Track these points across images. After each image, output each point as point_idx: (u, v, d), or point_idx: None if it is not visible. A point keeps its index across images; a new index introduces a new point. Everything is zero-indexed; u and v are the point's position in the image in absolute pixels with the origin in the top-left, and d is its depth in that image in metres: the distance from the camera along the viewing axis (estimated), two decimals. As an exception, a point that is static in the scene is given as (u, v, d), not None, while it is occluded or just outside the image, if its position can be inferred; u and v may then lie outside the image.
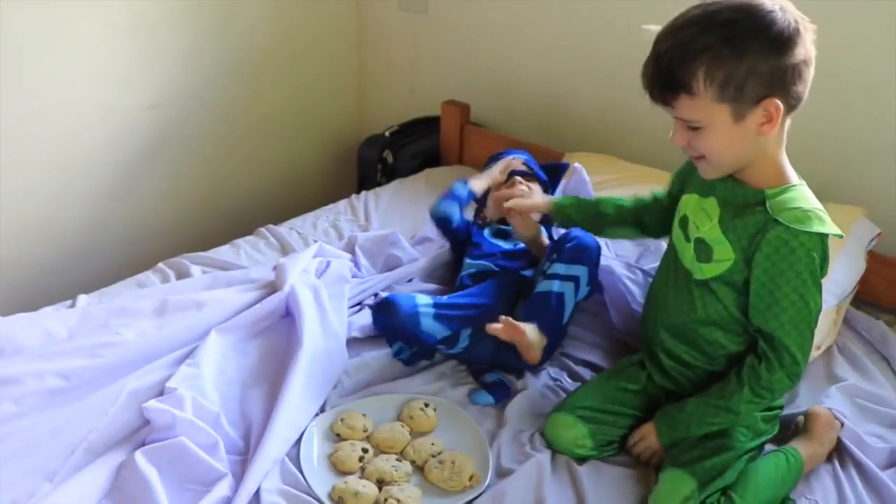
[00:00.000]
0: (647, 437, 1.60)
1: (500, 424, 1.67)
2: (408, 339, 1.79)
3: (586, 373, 1.82)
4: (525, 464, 1.54)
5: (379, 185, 2.74)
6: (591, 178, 2.24)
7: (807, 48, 1.37)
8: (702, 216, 1.54)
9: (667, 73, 1.37)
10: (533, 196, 2.00)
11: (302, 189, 3.07)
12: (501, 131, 2.81)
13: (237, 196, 2.93)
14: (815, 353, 1.84)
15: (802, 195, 1.46)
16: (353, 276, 2.01)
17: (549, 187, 2.14)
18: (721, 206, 1.51)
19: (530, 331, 1.71)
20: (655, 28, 1.41)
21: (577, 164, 2.21)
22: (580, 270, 1.79)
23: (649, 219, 1.79)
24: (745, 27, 1.34)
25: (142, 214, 2.69)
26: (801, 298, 1.44)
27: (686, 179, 1.65)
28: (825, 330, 1.87)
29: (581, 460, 1.59)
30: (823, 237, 1.43)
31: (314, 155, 3.13)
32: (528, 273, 1.94)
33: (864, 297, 2.07)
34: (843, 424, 1.67)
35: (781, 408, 1.65)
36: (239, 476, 1.50)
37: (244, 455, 1.55)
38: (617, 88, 2.51)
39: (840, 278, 1.93)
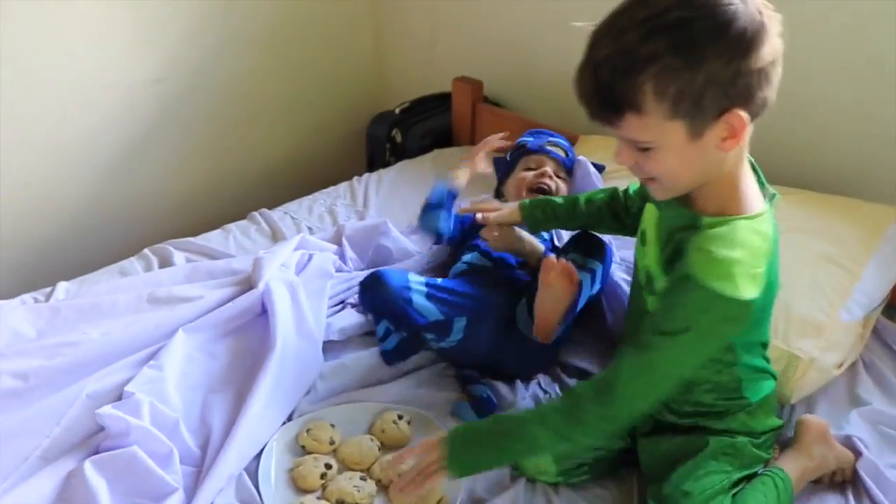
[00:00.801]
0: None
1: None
2: (396, 318, 1.63)
3: (580, 384, 1.67)
4: (497, 498, 1.41)
5: (387, 165, 2.61)
6: (604, 165, 2.08)
7: (774, 46, 1.13)
8: (654, 234, 1.35)
9: (607, 88, 1.13)
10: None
11: (313, 168, 2.94)
12: (517, 110, 2.65)
13: (245, 175, 2.82)
14: (836, 372, 1.66)
15: (737, 234, 1.20)
16: (338, 271, 1.89)
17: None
18: (658, 229, 1.33)
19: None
20: (588, 25, 1.16)
21: (580, 158, 2.05)
22: (595, 265, 1.67)
23: (627, 217, 1.61)
24: (700, 27, 1.09)
25: (144, 193, 2.60)
26: (671, 346, 1.20)
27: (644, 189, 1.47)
28: (849, 345, 1.69)
29: (554, 486, 1.46)
30: (727, 299, 1.16)
31: (327, 132, 3.00)
32: (526, 277, 1.80)
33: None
34: (860, 455, 1.50)
35: (779, 427, 1.49)
36: (191, 490, 1.40)
37: (200, 466, 1.45)
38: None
39: (870, 287, 1.74)
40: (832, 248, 1.74)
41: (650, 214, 1.39)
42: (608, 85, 1.12)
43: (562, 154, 2.03)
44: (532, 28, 2.58)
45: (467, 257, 1.84)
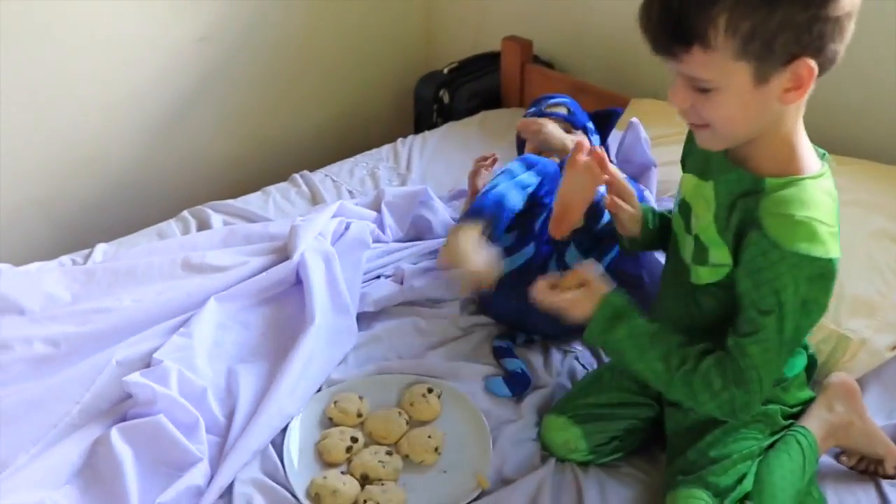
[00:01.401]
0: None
1: (513, 419, 1.50)
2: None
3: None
4: (524, 479, 1.37)
5: (434, 126, 2.55)
6: (653, 132, 1.99)
7: (849, 5, 1.08)
8: (701, 205, 1.28)
9: (678, 19, 1.07)
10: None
11: (360, 129, 2.89)
12: (568, 71, 2.56)
13: (291, 136, 2.78)
14: (889, 355, 1.57)
15: (808, 194, 1.15)
16: (376, 241, 1.86)
17: (593, 135, 1.89)
18: (716, 196, 1.24)
19: None
20: None
21: (633, 119, 1.95)
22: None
23: None
24: None
25: (190, 154, 2.59)
26: (779, 322, 1.16)
27: (684, 161, 1.39)
28: (905, 326, 1.60)
29: (584, 466, 1.42)
30: (817, 260, 1.13)
31: (375, 92, 2.94)
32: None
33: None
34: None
35: (812, 400, 1.42)
36: (216, 460, 1.40)
37: (227, 436, 1.45)
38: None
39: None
40: (890, 224, 1.64)
41: (691, 183, 1.31)
42: (679, 14, 1.07)
43: (563, 111, 1.89)
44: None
45: None
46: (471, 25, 2.86)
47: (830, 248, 1.13)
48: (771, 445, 1.35)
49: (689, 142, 1.39)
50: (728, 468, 1.29)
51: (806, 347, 1.40)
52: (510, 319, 1.68)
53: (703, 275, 1.28)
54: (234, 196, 2.17)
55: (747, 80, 1.09)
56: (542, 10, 2.61)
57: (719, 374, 1.20)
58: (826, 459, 1.43)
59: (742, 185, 1.20)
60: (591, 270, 1.30)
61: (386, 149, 2.35)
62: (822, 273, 1.14)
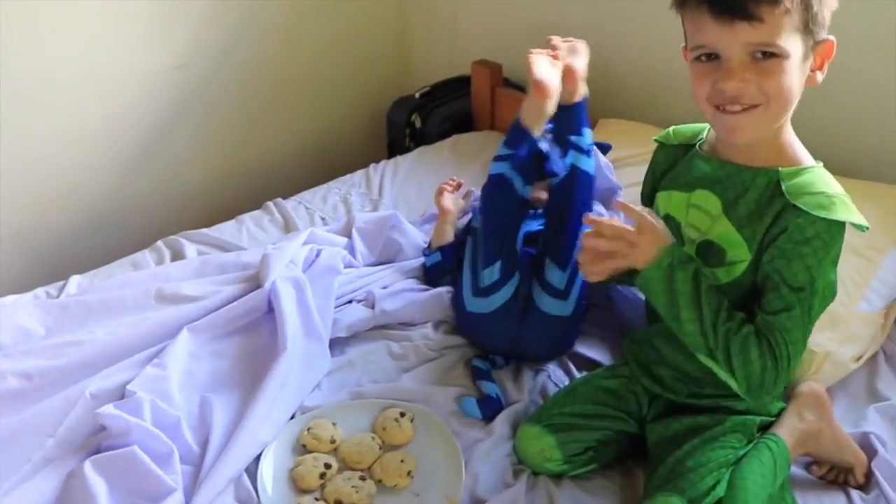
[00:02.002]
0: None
1: (484, 437, 1.51)
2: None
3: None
4: (497, 497, 1.38)
5: (407, 150, 2.57)
6: (620, 152, 2.03)
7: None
8: (697, 215, 1.32)
9: None
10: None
11: (335, 154, 2.92)
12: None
13: (266, 162, 2.81)
14: (853, 366, 1.60)
15: (822, 178, 1.24)
16: (347, 266, 1.87)
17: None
18: (722, 199, 1.29)
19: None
20: None
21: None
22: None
23: None
24: None
25: (166, 181, 2.60)
26: (810, 297, 1.21)
27: (656, 182, 1.43)
28: (868, 338, 1.63)
29: (558, 479, 1.44)
30: (841, 226, 1.21)
31: (350, 117, 2.97)
32: None
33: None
34: (876, 453, 1.45)
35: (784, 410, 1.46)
36: (191, 490, 1.40)
37: (201, 465, 1.46)
38: (660, 49, 2.26)
39: (889, 277, 1.67)
40: (852, 237, 1.67)
41: (675, 199, 1.35)
42: None
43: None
44: (554, 9, 2.52)
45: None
46: (444, 49, 2.89)
47: (861, 218, 1.21)
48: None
49: (659, 167, 1.43)
50: (704, 476, 1.31)
51: None
52: (503, 351, 1.70)
53: (722, 275, 1.30)
54: (209, 224, 2.18)
55: (800, 53, 1.18)
56: (513, 33, 2.64)
57: (756, 343, 1.22)
58: (797, 470, 1.45)
59: (755, 181, 1.26)
60: (654, 219, 1.28)
61: (359, 174, 2.37)
62: (841, 239, 1.22)
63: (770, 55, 1.16)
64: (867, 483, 1.43)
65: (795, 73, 1.18)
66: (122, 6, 2.30)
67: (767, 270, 1.24)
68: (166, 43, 2.44)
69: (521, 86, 2.63)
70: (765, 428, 1.43)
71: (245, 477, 1.43)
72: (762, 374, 1.22)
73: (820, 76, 1.22)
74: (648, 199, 1.47)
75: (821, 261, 1.21)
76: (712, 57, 1.20)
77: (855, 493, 1.41)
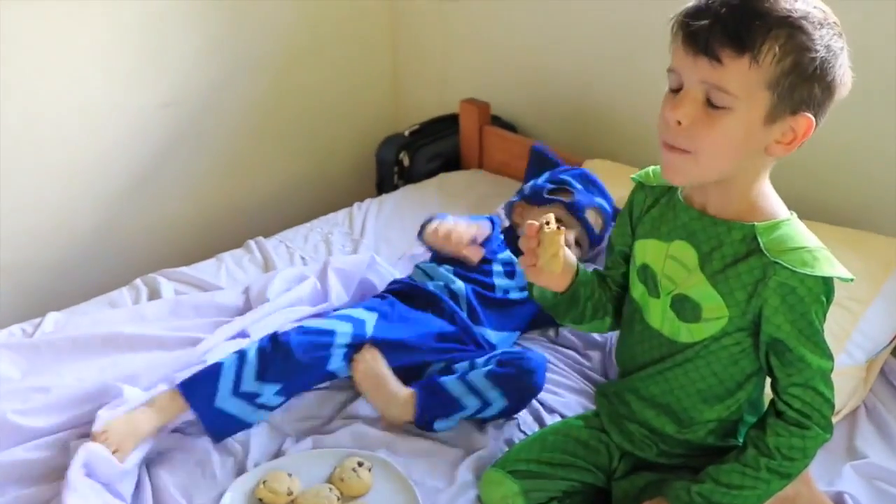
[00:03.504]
0: None
1: (446, 486, 1.47)
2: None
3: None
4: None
5: (396, 188, 2.56)
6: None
7: (847, 90, 1.18)
8: (674, 267, 1.28)
9: (745, 23, 1.09)
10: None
11: (326, 192, 2.89)
12: (528, 132, 2.58)
13: (257, 199, 2.79)
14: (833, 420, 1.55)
15: (798, 231, 1.21)
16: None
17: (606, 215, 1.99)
18: (698, 252, 1.25)
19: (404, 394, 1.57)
20: None
21: None
22: (498, 400, 1.55)
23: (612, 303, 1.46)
24: (838, 33, 1.14)
25: (154, 217, 2.60)
26: (819, 346, 1.21)
27: (634, 225, 1.38)
28: (848, 391, 1.58)
29: None
30: (830, 280, 1.19)
31: (340, 155, 2.95)
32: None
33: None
34: (848, 512, 1.40)
35: None
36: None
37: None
38: (645, 90, 2.23)
39: (872, 329, 1.63)
40: (831, 286, 1.63)
41: (652, 248, 1.32)
42: (747, 19, 1.10)
43: (564, 198, 1.95)
44: (543, 50, 2.51)
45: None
46: (434, 88, 2.88)
47: (844, 270, 1.19)
48: None
49: (637, 208, 1.39)
50: None
51: (759, 411, 1.38)
52: None
53: (697, 331, 1.27)
54: (194, 260, 2.17)
55: (761, 113, 1.13)
56: (502, 72, 2.64)
57: (790, 434, 1.23)
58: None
59: (730, 235, 1.22)
60: None
61: (343, 213, 2.35)
62: (832, 293, 1.22)
63: (720, 107, 1.13)
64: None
65: (741, 130, 1.13)
66: (111, 44, 2.32)
67: (777, 337, 1.22)
68: (155, 81, 2.45)
69: (510, 124, 2.62)
70: None
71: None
72: (820, 443, 1.25)
73: (784, 150, 1.17)
74: (621, 242, 1.42)
75: (818, 311, 1.20)
76: (678, 91, 1.17)
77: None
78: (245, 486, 1.48)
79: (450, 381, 1.57)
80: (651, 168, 1.38)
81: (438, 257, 1.85)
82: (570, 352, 1.79)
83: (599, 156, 2.29)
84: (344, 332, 1.61)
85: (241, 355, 1.58)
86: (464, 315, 1.74)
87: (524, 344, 1.81)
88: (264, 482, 1.47)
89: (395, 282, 1.85)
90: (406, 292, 1.78)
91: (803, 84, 1.11)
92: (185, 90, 2.52)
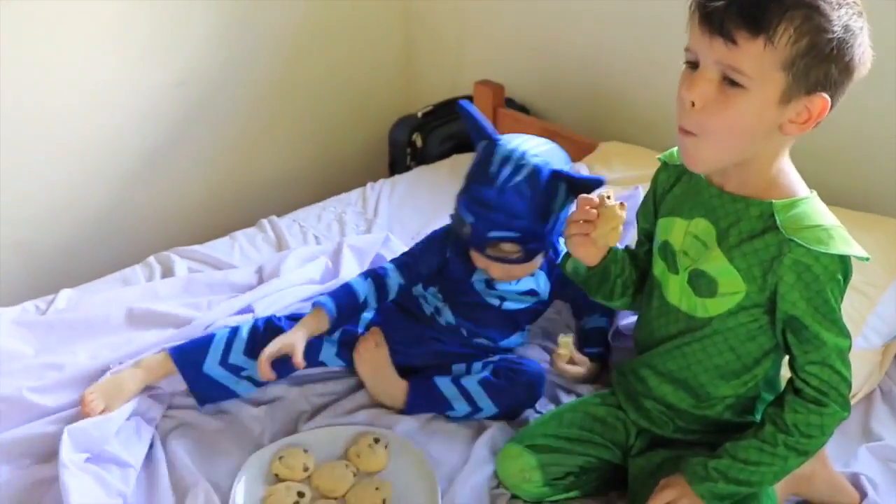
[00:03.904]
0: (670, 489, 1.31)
1: (462, 462, 1.48)
2: None
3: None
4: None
5: (408, 170, 2.55)
6: (619, 174, 2.01)
7: (866, 70, 1.17)
8: (693, 243, 1.29)
9: (758, 1, 1.09)
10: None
11: (338, 172, 2.89)
12: (541, 115, 2.57)
13: (268, 179, 2.79)
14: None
15: (816, 210, 1.22)
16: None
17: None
18: (716, 228, 1.26)
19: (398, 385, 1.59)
20: None
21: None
22: (489, 408, 1.57)
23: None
24: (857, 12, 1.13)
25: (169, 197, 2.60)
26: (835, 325, 1.22)
27: (658, 203, 1.39)
28: (864, 375, 1.58)
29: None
30: (847, 259, 1.19)
31: (353, 136, 2.94)
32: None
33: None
34: (866, 495, 1.40)
35: None
36: None
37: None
38: (660, 73, 2.23)
39: (889, 313, 1.62)
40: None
41: (673, 225, 1.33)
42: (759, 2, 1.10)
43: (514, 254, 1.53)
44: (557, 32, 2.50)
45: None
46: (448, 70, 2.87)
47: (860, 249, 1.19)
48: None
49: (661, 187, 1.40)
50: None
51: (776, 390, 1.38)
52: None
53: (713, 306, 1.28)
54: (206, 239, 2.16)
55: (776, 94, 1.12)
56: (516, 54, 2.63)
57: (808, 412, 1.23)
58: (787, 512, 1.41)
59: (748, 213, 1.23)
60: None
61: (355, 193, 2.35)
62: (850, 272, 1.22)
63: (736, 84, 1.13)
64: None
65: (756, 110, 1.14)
66: (124, 23, 2.31)
67: (792, 314, 1.22)
68: (168, 60, 2.44)
69: (522, 106, 2.61)
70: None
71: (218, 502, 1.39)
72: (838, 420, 1.24)
73: (800, 130, 1.17)
74: (645, 221, 1.43)
75: (834, 288, 1.20)
76: (695, 66, 1.17)
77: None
78: (261, 463, 1.49)
79: (443, 382, 1.58)
80: (676, 148, 1.37)
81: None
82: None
83: (614, 138, 2.28)
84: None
85: (235, 330, 1.60)
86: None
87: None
88: (280, 458, 1.48)
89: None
90: (402, 305, 1.72)
91: (819, 65, 1.11)
92: (199, 70, 2.51)
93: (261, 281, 1.90)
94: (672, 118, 2.15)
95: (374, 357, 1.62)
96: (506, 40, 2.65)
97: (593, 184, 1.47)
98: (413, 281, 1.65)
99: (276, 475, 1.47)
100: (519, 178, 1.46)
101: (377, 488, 1.43)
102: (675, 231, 1.32)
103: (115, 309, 1.80)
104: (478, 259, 1.56)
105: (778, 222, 1.19)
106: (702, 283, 1.28)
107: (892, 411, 1.59)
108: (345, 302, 1.58)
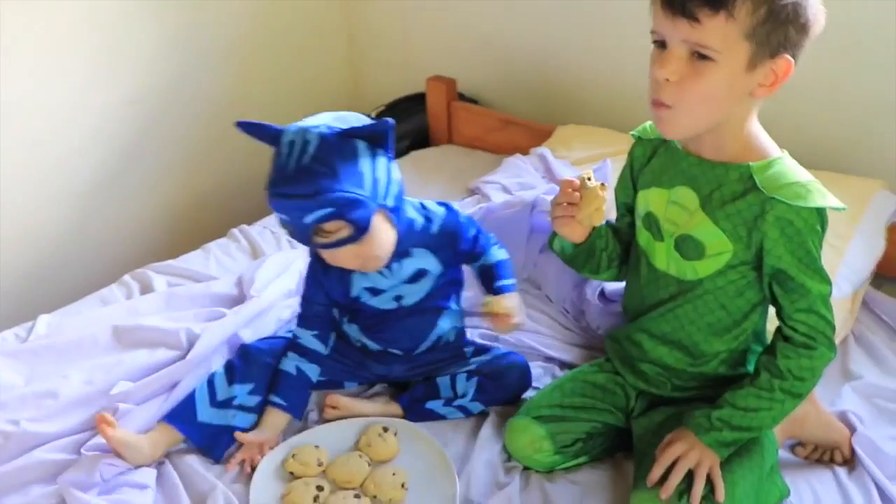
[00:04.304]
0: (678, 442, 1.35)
1: (472, 445, 1.53)
2: None
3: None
4: (493, 498, 1.40)
5: (366, 170, 2.58)
6: (578, 154, 2.09)
7: (821, 27, 1.24)
8: (675, 211, 1.36)
9: None
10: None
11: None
12: (493, 106, 2.63)
13: (225, 190, 2.79)
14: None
15: (790, 168, 1.30)
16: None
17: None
18: (698, 194, 1.33)
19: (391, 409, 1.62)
20: None
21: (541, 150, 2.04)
22: (477, 408, 1.61)
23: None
24: None
25: (124, 216, 2.58)
26: (818, 273, 1.30)
27: (636, 177, 1.47)
28: (839, 322, 1.64)
29: (549, 474, 1.46)
30: (824, 211, 1.28)
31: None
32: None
33: (884, 274, 1.86)
34: (854, 430, 1.49)
35: None
36: None
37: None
38: (610, 57, 2.31)
39: (856, 261, 1.72)
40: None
41: (655, 196, 1.39)
42: None
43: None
44: (504, 22, 2.56)
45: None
46: (397, 68, 2.90)
47: (836, 201, 1.28)
48: None
49: (637, 161, 1.47)
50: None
51: (763, 341, 1.46)
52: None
53: (702, 268, 1.35)
54: (171, 255, 2.14)
55: (743, 62, 1.20)
56: (466, 47, 2.68)
57: (799, 356, 1.31)
58: (783, 453, 1.48)
59: (727, 176, 1.30)
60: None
61: (321, 196, 2.36)
62: (826, 222, 1.30)
63: (705, 57, 1.20)
64: (850, 459, 1.47)
65: (727, 79, 1.21)
66: (71, 45, 2.29)
67: (779, 267, 1.29)
68: (118, 79, 2.43)
69: (472, 99, 2.67)
70: None
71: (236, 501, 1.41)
72: (827, 362, 1.33)
73: (768, 91, 1.24)
74: (624, 195, 1.50)
75: (815, 239, 1.28)
76: (662, 45, 1.24)
77: (840, 471, 1.45)
78: (274, 461, 1.51)
79: (437, 406, 1.60)
80: (648, 123, 1.45)
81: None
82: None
83: (570, 121, 2.35)
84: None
85: (211, 375, 1.59)
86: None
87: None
88: (293, 456, 1.50)
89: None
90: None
91: (779, 29, 1.19)
92: (148, 86, 2.51)
93: (241, 291, 1.90)
94: (619, 98, 2.27)
95: (344, 413, 1.61)
96: (454, 34, 2.70)
97: (383, 127, 1.40)
98: (322, 325, 1.61)
99: (291, 472, 1.48)
100: (308, 154, 1.38)
101: (394, 474, 1.46)
102: (657, 201, 1.39)
103: (99, 329, 1.77)
104: (326, 256, 1.48)
105: (757, 183, 1.27)
106: (689, 247, 1.35)
107: (866, 352, 1.69)
108: (296, 392, 1.58)
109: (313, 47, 2.89)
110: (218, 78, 2.66)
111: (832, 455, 1.49)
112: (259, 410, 1.57)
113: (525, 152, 2.27)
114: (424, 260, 1.56)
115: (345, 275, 1.55)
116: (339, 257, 1.46)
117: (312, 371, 1.60)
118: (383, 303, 1.58)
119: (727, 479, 1.31)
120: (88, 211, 2.48)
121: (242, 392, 1.56)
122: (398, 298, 1.57)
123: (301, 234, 1.42)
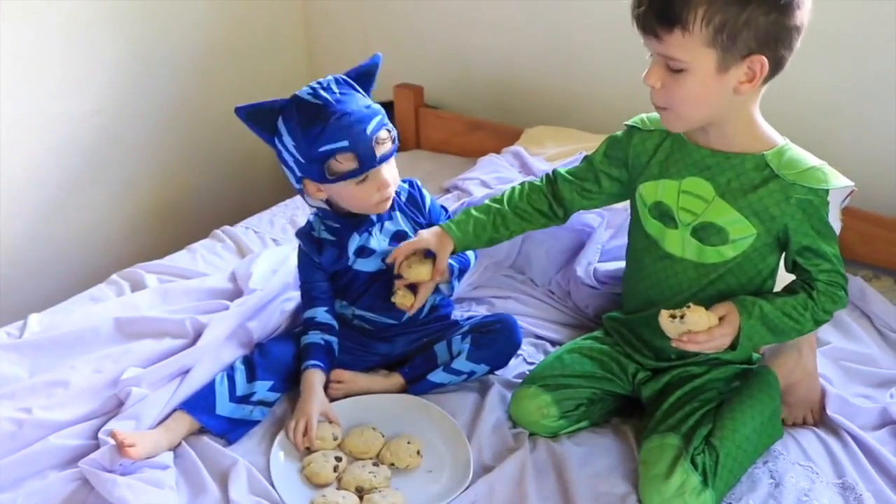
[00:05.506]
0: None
1: (479, 414, 1.61)
2: None
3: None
4: (507, 461, 1.49)
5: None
6: (549, 152, 2.21)
7: (805, 15, 1.34)
8: (689, 200, 1.48)
9: (666, 4, 1.30)
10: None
11: (260, 184, 2.97)
12: (458, 112, 2.73)
13: (194, 196, 2.84)
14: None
15: (799, 153, 1.43)
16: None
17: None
18: (713, 184, 1.45)
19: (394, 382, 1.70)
20: None
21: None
22: (482, 369, 1.70)
23: (559, 208, 1.65)
24: None
25: (94, 224, 2.61)
26: (832, 238, 1.44)
27: (632, 166, 1.57)
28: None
29: (555, 438, 1.55)
30: (849, 189, 1.42)
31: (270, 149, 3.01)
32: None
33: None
34: (825, 393, 1.61)
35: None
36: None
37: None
38: (572, 59, 2.44)
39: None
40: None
41: (666, 187, 1.50)
42: (666, 1, 1.30)
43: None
44: (465, 28, 2.66)
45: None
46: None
47: (846, 179, 1.41)
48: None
49: (637, 151, 1.55)
50: (692, 412, 1.47)
51: None
52: None
53: (726, 252, 1.46)
54: (140, 262, 2.16)
55: (712, 67, 1.32)
56: (430, 55, 2.78)
57: (828, 298, 1.44)
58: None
59: (743, 166, 1.42)
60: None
61: (299, 197, 2.41)
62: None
63: (678, 70, 1.34)
64: (822, 420, 1.60)
65: (701, 83, 1.34)
66: (35, 56, 2.32)
67: (805, 244, 1.42)
68: (82, 90, 2.47)
69: (435, 107, 2.77)
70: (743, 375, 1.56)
71: (256, 473, 1.46)
72: (841, 302, 1.46)
73: (749, 87, 1.35)
74: (607, 176, 1.61)
75: (827, 215, 1.41)
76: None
77: (822, 432, 1.57)
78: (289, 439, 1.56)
79: (437, 376, 1.67)
80: (645, 115, 1.56)
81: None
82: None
83: (536, 123, 2.47)
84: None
85: (230, 368, 1.65)
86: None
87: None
88: (308, 432, 1.56)
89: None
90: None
91: (741, 34, 1.29)
92: (114, 97, 2.55)
93: (236, 285, 1.94)
94: (581, 100, 2.40)
95: (348, 390, 1.68)
96: (416, 42, 2.79)
97: (373, 61, 1.76)
98: (329, 301, 1.72)
99: (307, 448, 1.54)
100: (334, 85, 1.63)
101: (409, 442, 1.53)
102: (667, 191, 1.50)
103: (99, 322, 1.79)
104: (362, 195, 1.60)
105: (776, 171, 1.40)
106: (711, 233, 1.47)
107: (831, 322, 1.80)
108: (327, 357, 1.67)
109: (274, 57, 2.97)
110: (181, 87, 2.72)
111: (804, 419, 1.61)
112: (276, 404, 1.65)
113: (496, 153, 2.38)
114: (403, 223, 1.71)
115: (341, 240, 1.67)
116: (383, 174, 1.59)
117: (335, 343, 1.68)
118: (372, 264, 1.69)
119: (735, 420, 1.43)
120: (57, 221, 2.50)
121: (263, 388, 1.61)
122: (385, 259, 1.67)
123: (365, 147, 1.55)
